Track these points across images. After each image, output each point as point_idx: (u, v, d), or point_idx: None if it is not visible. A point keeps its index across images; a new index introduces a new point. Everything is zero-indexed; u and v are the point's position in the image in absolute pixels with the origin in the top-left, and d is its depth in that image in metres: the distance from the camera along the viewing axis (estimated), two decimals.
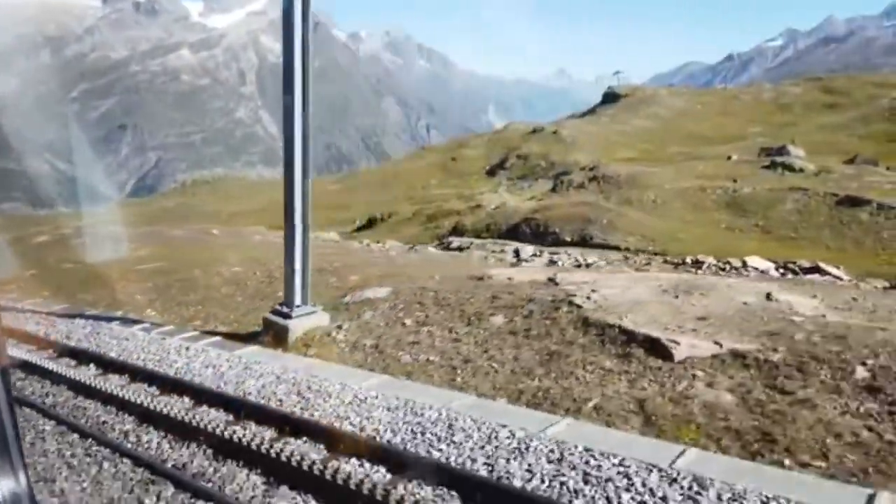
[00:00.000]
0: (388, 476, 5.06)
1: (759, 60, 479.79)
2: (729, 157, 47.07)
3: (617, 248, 27.96)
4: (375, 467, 5.22)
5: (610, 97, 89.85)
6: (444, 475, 4.89)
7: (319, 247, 24.10)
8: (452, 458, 5.27)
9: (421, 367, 8.45)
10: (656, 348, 7.49)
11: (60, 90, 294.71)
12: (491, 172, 64.41)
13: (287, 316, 9.72)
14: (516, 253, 16.10)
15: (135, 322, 11.34)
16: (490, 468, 5.08)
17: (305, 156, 9.77)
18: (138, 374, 7.91)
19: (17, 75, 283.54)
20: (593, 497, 4.55)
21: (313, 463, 5.01)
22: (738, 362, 7.15)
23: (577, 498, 4.56)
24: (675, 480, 4.69)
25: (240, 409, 6.53)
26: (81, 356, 8.91)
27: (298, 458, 5.11)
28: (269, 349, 9.28)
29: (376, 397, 6.84)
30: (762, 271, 13.29)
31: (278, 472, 5.12)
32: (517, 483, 4.79)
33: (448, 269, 15.08)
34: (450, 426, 5.91)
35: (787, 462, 5.51)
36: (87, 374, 8.08)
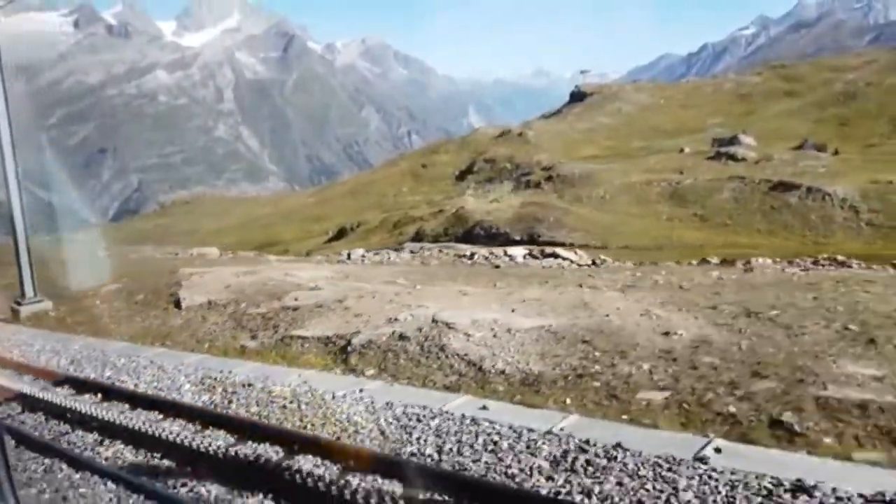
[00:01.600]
0: None
1: (733, 49, 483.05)
2: (681, 150, 48.72)
3: (562, 244, 29.40)
4: None
5: (577, 96, 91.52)
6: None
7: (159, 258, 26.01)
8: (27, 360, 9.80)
9: (75, 324, 13.16)
10: (179, 303, 12.95)
11: (38, 118, 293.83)
12: (460, 177, 65.73)
13: (20, 303, 14.37)
14: (348, 255, 18.84)
15: None
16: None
17: (20, 188, 14.04)
18: None
19: None
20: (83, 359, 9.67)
21: None
22: (211, 306, 12.40)
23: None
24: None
25: None
26: None
27: None
28: (6, 325, 13.79)
29: (26, 340, 11.41)
30: (511, 257, 15.75)
31: None
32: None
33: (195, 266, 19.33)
34: (48, 349, 10.55)
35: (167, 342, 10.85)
36: None
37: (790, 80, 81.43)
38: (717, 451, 4.92)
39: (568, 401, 6.61)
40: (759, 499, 4.14)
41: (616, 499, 4.26)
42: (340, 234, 51.62)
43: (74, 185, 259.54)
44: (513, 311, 9.51)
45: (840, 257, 14.34)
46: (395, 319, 9.55)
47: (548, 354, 7.62)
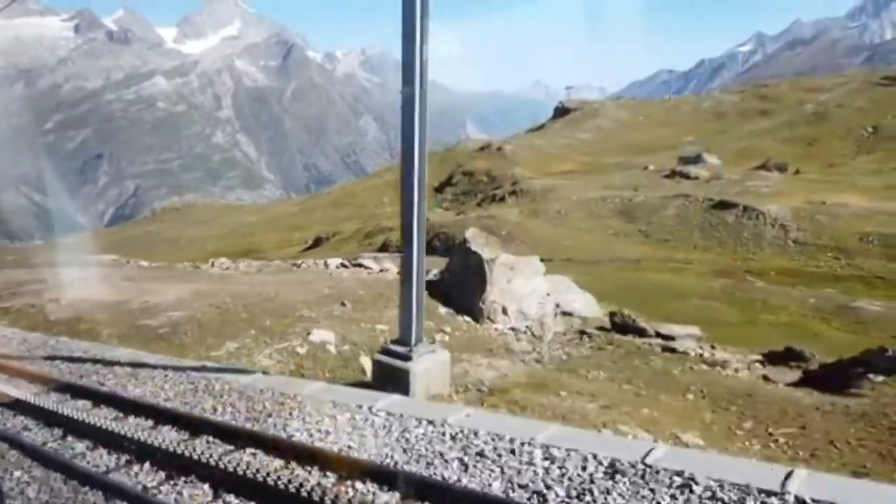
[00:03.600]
0: None
1: (730, 65, 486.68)
2: (645, 167, 50.40)
3: None
4: None
5: (560, 111, 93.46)
6: None
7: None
8: None
9: None
10: None
11: (35, 122, 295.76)
12: (439, 189, 67.27)
13: None
14: (212, 264, 21.20)
15: None
16: None
17: None
18: None
19: None
20: None
21: None
22: None
23: None
24: None
25: None
26: None
27: None
28: None
29: None
30: (325, 264, 18.07)
31: None
32: None
33: None
34: None
35: None
36: None
37: (766, 100, 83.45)
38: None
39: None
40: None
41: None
42: (317, 243, 53.17)
43: (70, 190, 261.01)
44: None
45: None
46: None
47: (87, 311, 13.19)
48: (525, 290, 12.88)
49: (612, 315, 13.26)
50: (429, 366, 7.52)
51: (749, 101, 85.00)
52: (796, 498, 4.23)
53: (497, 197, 44.38)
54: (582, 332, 12.70)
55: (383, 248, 40.20)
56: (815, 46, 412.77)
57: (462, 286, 12.90)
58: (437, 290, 13.66)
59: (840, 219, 29.32)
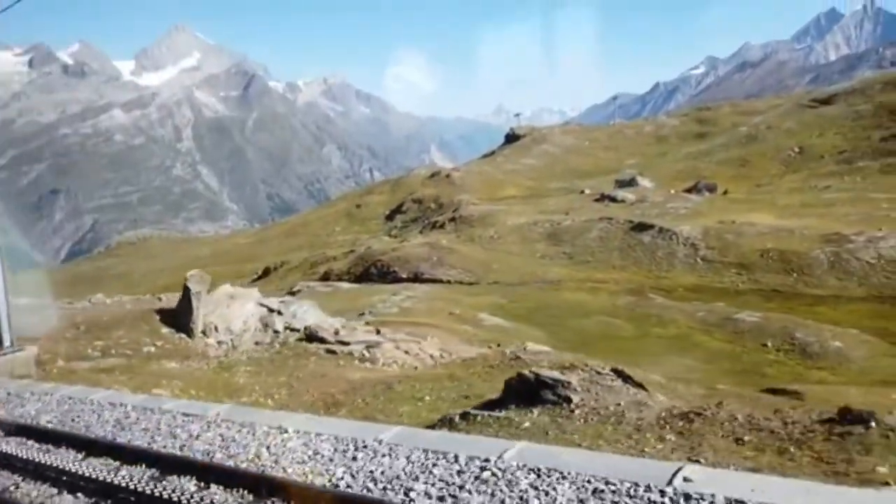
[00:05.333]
0: None
1: (684, 88, 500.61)
2: (582, 192, 52.47)
3: (440, 281, 32.32)
4: None
5: (511, 138, 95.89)
6: None
7: None
8: None
9: None
10: None
11: None
12: (389, 217, 68.68)
13: None
14: (89, 300, 22.99)
15: None
16: None
17: None
18: None
19: None
20: None
21: None
22: None
23: None
24: None
25: None
26: None
27: None
28: None
29: None
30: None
31: None
32: None
33: None
34: None
35: None
36: None
37: (705, 123, 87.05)
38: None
39: None
40: None
41: None
42: (266, 273, 53.81)
43: (25, 227, 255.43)
44: None
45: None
46: None
47: None
48: (237, 312, 17.41)
49: (305, 328, 17.49)
50: (15, 358, 11.60)
51: (688, 125, 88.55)
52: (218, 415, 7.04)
53: (438, 224, 45.82)
54: (283, 343, 16.99)
55: (325, 276, 41.10)
56: (763, 68, 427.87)
57: (183, 312, 17.16)
58: (170, 315, 17.63)
59: (745, 236, 31.36)
